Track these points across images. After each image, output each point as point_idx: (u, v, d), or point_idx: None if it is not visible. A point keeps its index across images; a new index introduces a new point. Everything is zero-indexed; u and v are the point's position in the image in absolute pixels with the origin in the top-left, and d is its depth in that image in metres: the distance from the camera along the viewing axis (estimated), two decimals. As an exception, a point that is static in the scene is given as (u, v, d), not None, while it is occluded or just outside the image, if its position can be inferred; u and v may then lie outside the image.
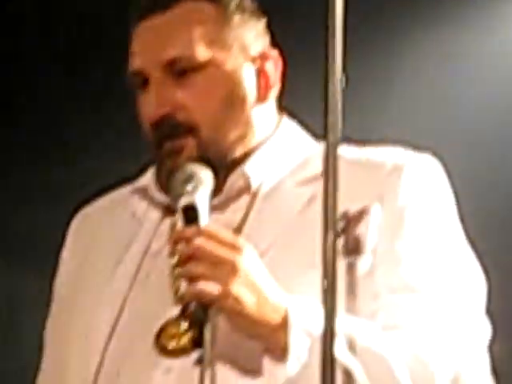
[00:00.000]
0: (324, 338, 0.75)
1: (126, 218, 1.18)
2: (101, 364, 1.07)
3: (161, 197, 1.13)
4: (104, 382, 1.07)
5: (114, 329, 1.09)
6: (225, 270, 0.93)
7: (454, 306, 1.02)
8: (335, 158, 0.77)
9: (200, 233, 0.95)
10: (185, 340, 0.97)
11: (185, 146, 1.08)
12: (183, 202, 0.99)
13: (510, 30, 2.95)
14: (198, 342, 0.94)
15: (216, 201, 1.06)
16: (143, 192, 1.17)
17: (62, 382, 1.15)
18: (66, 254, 1.27)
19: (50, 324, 1.26)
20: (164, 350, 0.99)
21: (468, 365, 1.00)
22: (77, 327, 1.15)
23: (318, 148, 1.09)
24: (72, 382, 1.13)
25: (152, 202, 1.16)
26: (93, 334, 1.11)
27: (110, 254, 1.17)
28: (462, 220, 1.09)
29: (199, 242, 0.94)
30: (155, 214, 1.14)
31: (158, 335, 1.00)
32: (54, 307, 1.27)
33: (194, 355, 0.96)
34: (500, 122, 2.86)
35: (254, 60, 1.14)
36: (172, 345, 0.99)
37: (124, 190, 1.24)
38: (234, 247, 0.95)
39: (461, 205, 1.12)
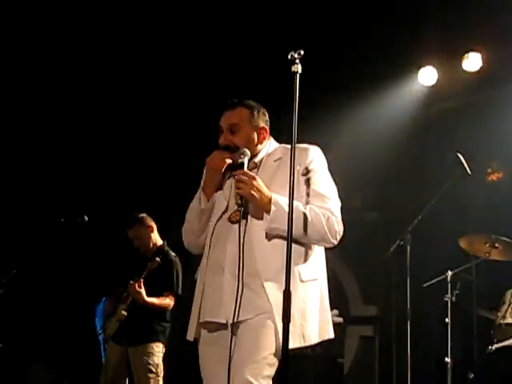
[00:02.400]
0: (289, 204, 2.61)
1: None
2: (220, 217, 2.98)
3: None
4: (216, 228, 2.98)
5: (226, 210, 2.96)
6: (249, 184, 2.78)
7: (332, 197, 2.94)
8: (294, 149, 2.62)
9: (242, 172, 2.84)
10: (238, 217, 2.85)
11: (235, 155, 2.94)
12: (239, 161, 2.89)
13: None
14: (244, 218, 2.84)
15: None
16: None
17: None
18: None
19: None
20: (232, 222, 2.91)
21: (332, 216, 2.87)
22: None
23: (279, 146, 3.09)
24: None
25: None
26: (218, 206, 3.00)
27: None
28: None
29: (241, 174, 2.83)
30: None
31: (230, 215, 2.94)
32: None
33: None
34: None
35: (256, 128, 3.03)
36: (236, 219, 2.88)
37: None
38: (254, 178, 2.80)
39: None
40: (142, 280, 5.00)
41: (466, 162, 4.96)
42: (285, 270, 2.60)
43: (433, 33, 5.66)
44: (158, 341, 5.14)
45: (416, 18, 5.58)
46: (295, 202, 2.73)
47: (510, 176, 5.70)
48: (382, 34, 5.70)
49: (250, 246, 2.92)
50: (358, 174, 6.39)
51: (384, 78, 6.17)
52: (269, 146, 3.12)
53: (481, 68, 5.94)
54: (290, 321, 2.55)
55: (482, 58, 5.93)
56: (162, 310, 5.17)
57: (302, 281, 2.93)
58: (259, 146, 3.08)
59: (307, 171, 2.94)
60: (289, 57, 2.75)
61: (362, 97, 6.37)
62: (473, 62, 5.98)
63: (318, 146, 3.05)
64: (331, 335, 3.02)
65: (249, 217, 2.94)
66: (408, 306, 5.20)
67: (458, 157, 4.98)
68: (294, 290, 2.70)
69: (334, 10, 5.69)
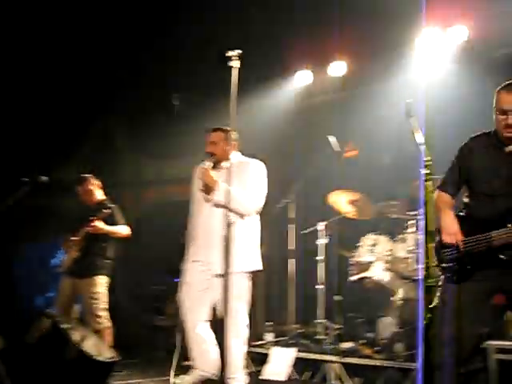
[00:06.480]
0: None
1: None
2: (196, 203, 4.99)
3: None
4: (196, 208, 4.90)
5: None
6: (205, 175, 4.66)
7: (258, 191, 4.80)
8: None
9: (201, 169, 4.72)
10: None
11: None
12: (205, 165, 4.74)
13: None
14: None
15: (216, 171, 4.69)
16: None
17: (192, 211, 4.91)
18: None
19: None
20: (207, 199, 4.77)
21: (250, 202, 4.73)
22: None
23: (237, 156, 4.82)
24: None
25: None
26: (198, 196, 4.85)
27: None
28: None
29: (201, 170, 4.73)
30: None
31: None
32: None
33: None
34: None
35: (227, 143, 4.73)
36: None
37: None
38: (207, 170, 4.65)
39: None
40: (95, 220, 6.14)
41: (334, 143, 6.43)
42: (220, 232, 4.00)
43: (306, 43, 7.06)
44: (102, 274, 6.30)
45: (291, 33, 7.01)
46: (234, 191, 4.34)
47: (362, 152, 6.89)
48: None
49: (215, 219, 4.56)
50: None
51: (268, 79, 7.56)
52: (233, 156, 4.66)
53: (345, 73, 7.38)
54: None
55: (347, 65, 7.34)
56: (114, 239, 6.37)
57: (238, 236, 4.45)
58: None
59: (245, 177, 4.65)
60: (226, 54, 3.45)
61: (253, 94, 7.22)
62: (338, 68, 7.43)
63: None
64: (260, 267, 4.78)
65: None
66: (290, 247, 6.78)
67: (328, 139, 6.44)
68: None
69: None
